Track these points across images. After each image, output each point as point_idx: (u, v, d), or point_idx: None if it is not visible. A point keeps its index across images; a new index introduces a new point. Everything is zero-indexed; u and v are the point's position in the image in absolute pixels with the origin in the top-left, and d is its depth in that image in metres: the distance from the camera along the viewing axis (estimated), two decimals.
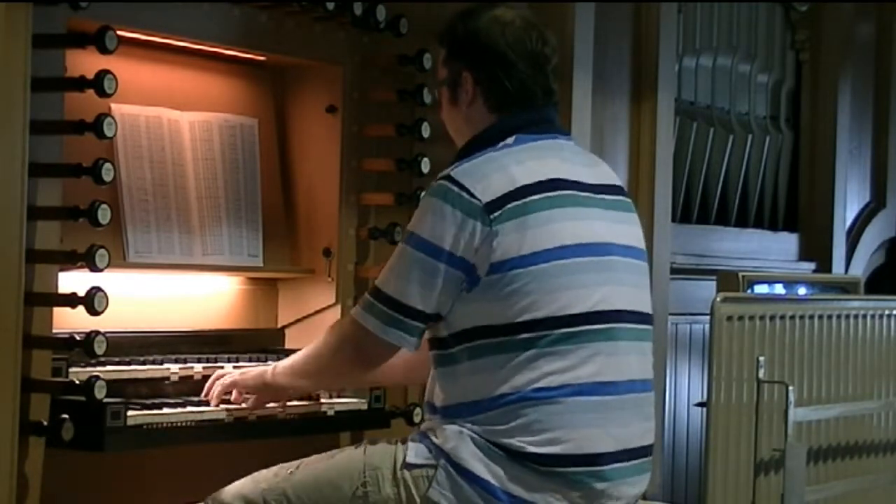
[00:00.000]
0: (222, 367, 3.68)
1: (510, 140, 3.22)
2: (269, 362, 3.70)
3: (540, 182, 3.15)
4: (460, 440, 3.08)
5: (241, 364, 3.74)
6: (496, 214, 3.09)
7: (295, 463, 3.26)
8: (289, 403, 3.64)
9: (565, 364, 3.08)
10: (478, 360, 3.10)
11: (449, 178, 3.15)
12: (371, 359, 3.25)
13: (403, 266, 3.15)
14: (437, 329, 3.18)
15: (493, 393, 3.08)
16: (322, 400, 3.79)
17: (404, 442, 3.17)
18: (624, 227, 3.27)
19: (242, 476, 3.31)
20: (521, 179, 3.13)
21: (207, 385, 3.57)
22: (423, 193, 3.29)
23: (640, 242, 3.31)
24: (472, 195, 3.10)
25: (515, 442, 3.05)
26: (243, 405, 3.52)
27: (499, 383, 3.07)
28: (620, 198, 3.31)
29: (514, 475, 3.05)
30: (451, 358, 3.15)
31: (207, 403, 3.52)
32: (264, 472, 3.28)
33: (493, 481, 3.05)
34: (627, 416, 3.16)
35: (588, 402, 3.09)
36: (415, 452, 3.12)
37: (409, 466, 3.12)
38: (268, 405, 3.56)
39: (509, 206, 3.10)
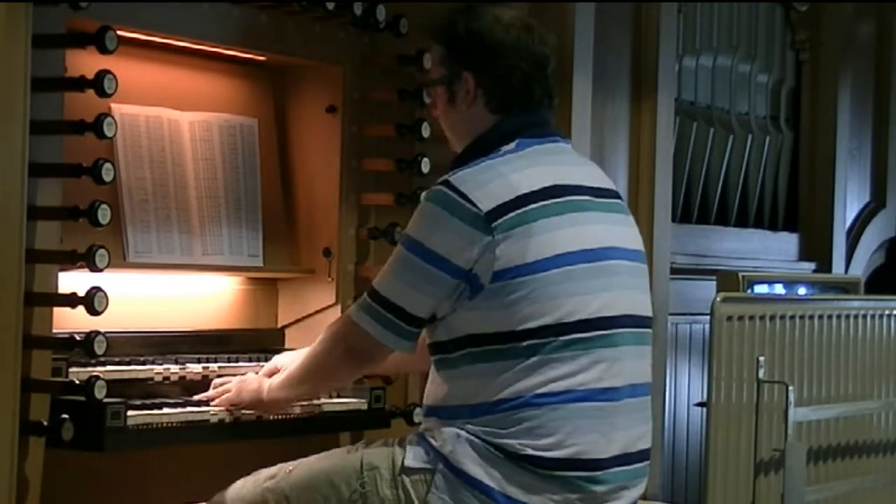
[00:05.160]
0: (219, 368, 3.69)
1: (511, 145, 3.21)
2: (269, 361, 3.71)
3: (540, 189, 3.13)
4: (458, 443, 3.07)
5: (240, 364, 3.75)
6: (497, 223, 3.08)
7: (295, 462, 3.26)
8: None
9: (568, 370, 3.07)
10: (479, 364, 3.10)
11: (448, 184, 3.13)
12: (366, 359, 3.25)
13: (400, 270, 3.14)
14: (438, 334, 3.18)
15: (495, 397, 3.07)
16: (322, 400, 3.78)
17: (402, 443, 3.16)
18: (624, 230, 3.27)
19: (242, 476, 3.31)
20: (521, 188, 3.12)
21: (209, 392, 3.57)
22: (422, 195, 3.28)
23: (640, 244, 3.31)
24: (472, 203, 3.09)
25: (516, 444, 3.05)
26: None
27: (501, 388, 3.07)
28: (617, 201, 3.31)
29: (512, 477, 3.05)
30: (452, 362, 3.15)
31: (207, 403, 3.52)
32: (265, 470, 3.28)
33: (491, 484, 3.05)
34: (627, 420, 3.15)
35: (590, 407, 3.09)
36: (413, 456, 3.12)
37: (407, 471, 3.11)
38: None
39: (510, 214, 3.08)
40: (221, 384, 3.56)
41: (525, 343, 3.07)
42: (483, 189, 3.10)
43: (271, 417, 3.57)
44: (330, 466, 3.21)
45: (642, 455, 3.20)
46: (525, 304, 3.07)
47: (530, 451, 3.04)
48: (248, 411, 3.51)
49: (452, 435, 3.08)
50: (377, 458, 3.16)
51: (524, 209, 3.10)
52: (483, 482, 3.05)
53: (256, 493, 3.25)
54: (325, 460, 3.24)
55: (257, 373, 3.60)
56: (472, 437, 3.07)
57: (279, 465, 3.27)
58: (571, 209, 3.16)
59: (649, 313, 3.27)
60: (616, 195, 3.32)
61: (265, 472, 3.28)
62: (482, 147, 3.21)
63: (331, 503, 3.17)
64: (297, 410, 3.66)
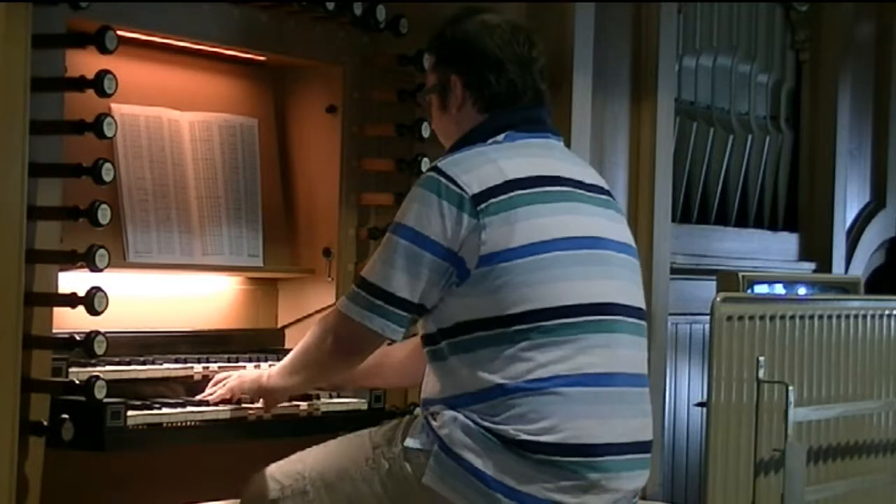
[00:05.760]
0: (219, 368, 3.69)
1: (500, 137, 3.25)
2: (269, 362, 3.72)
3: (529, 177, 3.17)
4: (454, 428, 3.09)
5: (240, 364, 3.75)
6: (483, 206, 3.10)
7: (327, 442, 3.35)
8: (289, 403, 3.64)
9: (559, 355, 3.09)
10: (471, 353, 3.12)
11: (436, 168, 3.17)
12: (356, 348, 3.27)
13: (389, 255, 3.16)
14: (429, 325, 3.20)
15: (488, 384, 3.09)
16: (322, 400, 3.79)
17: (407, 425, 3.20)
18: (616, 225, 3.30)
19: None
20: (510, 173, 3.15)
21: (208, 388, 3.57)
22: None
23: (632, 241, 3.34)
24: (459, 186, 3.12)
25: (510, 429, 3.06)
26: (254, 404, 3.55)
27: (493, 375, 3.09)
28: (609, 199, 3.34)
29: (506, 464, 3.07)
30: (444, 352, 3.17)
31: (207, 403, 3.52)
32: (302, 451, 3.37)
33: (484, 470, 3.07)
34: (624, 408, 3.17)
35: (584, 392, 3.10)
36: (414, 437, 3.16)
37: (407, 451, 3.15)
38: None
39: (496, 199, 3.11)
40: (223, 378, 3.57)
41: (513, 328, 3.08)
42: (471, 173, 3.13)
43: (272, 417, 3.57)
44: (347, 447, 3.29)
45: (641, 447, 3.20)
46: (511, 289, 3.08)
47: (524, 436, 3.06)
48: (250, 404, 3.51)
49: (451, 418, 3.11)
50: (383, 439, 3.21)
51: (511, 194, 3.13)
52: (477, 467, 3.07)
53: (284, 469, 3.31)
54: (344, 441, 3.32)
55: None
56: (468, 422, 3.09)
57: (315, 446, 3.35)
58: (561, 199, 3.19)
59: (643, 305, 3.28)
60: (608, 193, 3.33)
61: (299, 453, 3.35)
62: (472, 138, 3.25)
63: (343, 480, 3.22)
64: (298, 410, 3.66)
